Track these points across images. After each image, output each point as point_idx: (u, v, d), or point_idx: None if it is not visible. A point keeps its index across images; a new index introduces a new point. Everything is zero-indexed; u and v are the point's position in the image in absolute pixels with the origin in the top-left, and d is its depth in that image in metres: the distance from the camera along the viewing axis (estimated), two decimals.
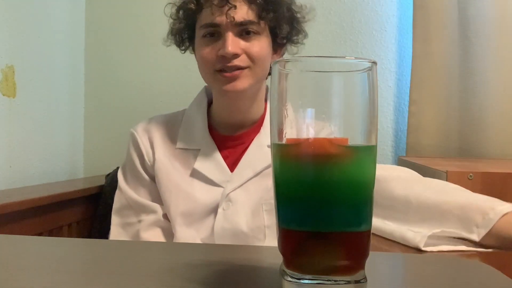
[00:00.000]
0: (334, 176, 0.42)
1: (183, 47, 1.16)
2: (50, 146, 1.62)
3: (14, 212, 1.12)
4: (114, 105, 1.82)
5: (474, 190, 1.01)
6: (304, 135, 0.43)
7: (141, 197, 1.12)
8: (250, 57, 1.04)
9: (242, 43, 1.04)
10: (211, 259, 0.59)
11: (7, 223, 1.09)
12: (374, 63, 0.43)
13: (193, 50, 1.15)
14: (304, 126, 0.43)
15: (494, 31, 1.59)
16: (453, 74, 1.63)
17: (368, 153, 0.44)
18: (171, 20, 1.14)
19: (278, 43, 1.11)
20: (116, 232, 1.12)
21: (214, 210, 1.07)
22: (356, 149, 0.43)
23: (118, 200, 1.14)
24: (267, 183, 1.07)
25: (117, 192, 1.15)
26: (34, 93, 1.53)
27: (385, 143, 1.75)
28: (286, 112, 0.44)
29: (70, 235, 1.31)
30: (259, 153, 1.10)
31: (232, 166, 1.10)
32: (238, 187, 1.08)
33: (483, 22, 1.59)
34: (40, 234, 1.20)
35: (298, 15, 1.13)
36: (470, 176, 1.02)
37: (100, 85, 1.84)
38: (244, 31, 1.04)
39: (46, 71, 1.59)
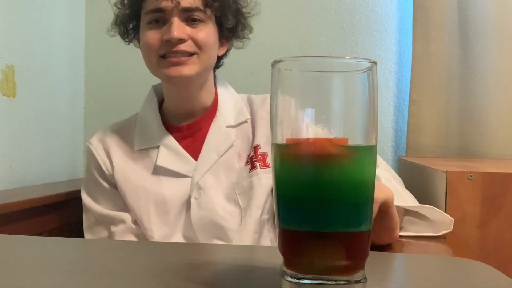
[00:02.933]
0: (334, 176, 0.42)
1: (128, 38, 1.15)
2: (50, 146, 1.62)
3: (14, 212, 1.12)
4: (114, 105, 1.82)
5: (474, 190, 1.01)
6: (304, 135, 0.43)
7: (108, 209, 1.09)
8: (196, 43, 1.03)
9: (188, 29, 1.03)
10: (211, 259, 0.59)
11: (7, 223, 1.09)
12: (374, 63, 0.43)
13: (138, 41, 1.14)
14: (304, 126, 0.43)
15: (494, 31, 1.59)
16: (453, 74, 1.63)
17: (368, 153, 0.44)
18: (116, 9, 1.12)
19: (224, 36, 1.11)
20: None
21: (187, 202, 1.05)
22: (356, 149, 0.43)
23: (86, 219, 1.11)
24: (233, 163, 1.06)
25: (83, 210, 1.12)
26: (34, 93, 1.53)
27: (385, 143, 1.75)
28: (286, 112, 0.44)
29: (70, 235, 1.31)
30: (220, 135, 1.09)
31: (195, 155, 1.08)
32: (206, 172, 1.06)
33: (483, 22, 1.59)
34: (40, 234, 1.20)
35: (244, 10, 1.13)
36: (470, 176, 1.01)
37: (100, 85, 1.84)
38: (190, 18, 1.03)
39: (46, 71, 1.59)
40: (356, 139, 0.43)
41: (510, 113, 1.59)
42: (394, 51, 1.75)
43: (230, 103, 1.13)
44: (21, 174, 1.47)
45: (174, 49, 1.02)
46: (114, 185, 1.10)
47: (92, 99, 1.84)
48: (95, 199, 1.11)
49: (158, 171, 1.08)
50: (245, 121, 1.11)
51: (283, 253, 0.44)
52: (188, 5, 1.02)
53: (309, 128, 0.42)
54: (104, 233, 1.09)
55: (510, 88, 1.59)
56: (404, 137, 1.71)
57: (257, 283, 0.49)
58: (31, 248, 0.65)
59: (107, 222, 1.09)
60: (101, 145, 1.13)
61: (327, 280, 0.42)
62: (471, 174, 1.01)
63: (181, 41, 1.02)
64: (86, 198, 1.12)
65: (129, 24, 1.13)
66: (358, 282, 0.42)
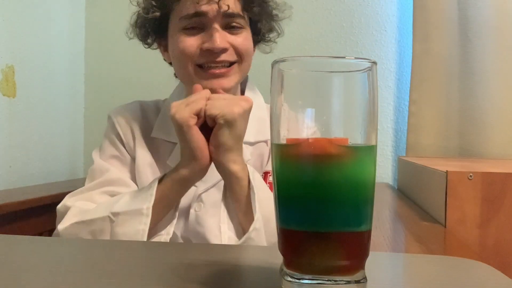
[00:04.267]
0: (334, 176, 0.42)
1: (148, 42, 1.06)
2: (50, 146, 1.62)
3: (14, 212, 1.12)
4: (114, 105, 1.81)
5: (474, 190, 1.01)
6: (304, 135, 0.43)
7: (122, 173, 1.01)
8: (237, 51, 0.96)
9: (229, 37, 0.95)
10: (211, 259, 0.59)
11: (7, 223, 1.10)
12: (374, 63, 0.43)
13: (159, 45, 1.06)
14: (304, 126, 0.43)
15: (494, 31, 1.59)
16: (453, 74, 1.63)
17: (368, 153, 0.44)
18: (139, 9, 1.02)
19: (255, 41, 1.04)
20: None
21: (186, 211, 0.99)
22: (356, 149, 0.43)
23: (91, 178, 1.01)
24: None
25: (90, 170, 1.03)
26: (34, 93, 1.53)
27: (385, 143, 1.75)
28: (286, 112, 0.44)
29: None
30: None
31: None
32: (211, 187, 0.99)
33: (483, 22, 1.59)
34: (40, 234, 1.20)
35: (275, 12, 1.06)
36: (470, 176, 1.01)
37: (100, 85, 1.84)
38: (229, 24, 0.96)
39: (46, 71, 1.59)
40: (356, 139, 0.43)
41: (510, 113, 1.59)
42: (394, 51, 1.76)
43: (253, 114, 0.98)
44: (21, 174, 1.47)
45: (218, 59, 0.94)
46: (133, 157, 1.03)
47: (92, 99, 1.84)
48: (109, 162, 1.03)
49: (166, 169, 0.98)
50: (264, 141, 1.05)
51: (283, 253, 0.44)
52: (231, 11, 0.94)
53: (309, 128, 0.42)
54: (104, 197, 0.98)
55: (510, 88, 1.59)
56: (404, 137, 1.71)
57: (257, 283, 0.49)
58: (31, 248, 0.65)
59: (114, 183, 1.00)
60: (124, 119, 1.06)
61: (327, 280, 0.42)
62: (471, 174, 1.01)
63: (224, 50, 0.94)
64: (97, 159, 1.03)
65: (153, 27, 1.04)
66: (358, 282, 0.42)
